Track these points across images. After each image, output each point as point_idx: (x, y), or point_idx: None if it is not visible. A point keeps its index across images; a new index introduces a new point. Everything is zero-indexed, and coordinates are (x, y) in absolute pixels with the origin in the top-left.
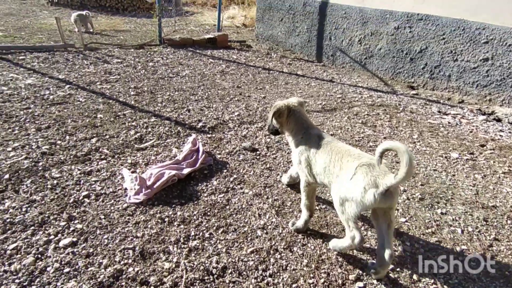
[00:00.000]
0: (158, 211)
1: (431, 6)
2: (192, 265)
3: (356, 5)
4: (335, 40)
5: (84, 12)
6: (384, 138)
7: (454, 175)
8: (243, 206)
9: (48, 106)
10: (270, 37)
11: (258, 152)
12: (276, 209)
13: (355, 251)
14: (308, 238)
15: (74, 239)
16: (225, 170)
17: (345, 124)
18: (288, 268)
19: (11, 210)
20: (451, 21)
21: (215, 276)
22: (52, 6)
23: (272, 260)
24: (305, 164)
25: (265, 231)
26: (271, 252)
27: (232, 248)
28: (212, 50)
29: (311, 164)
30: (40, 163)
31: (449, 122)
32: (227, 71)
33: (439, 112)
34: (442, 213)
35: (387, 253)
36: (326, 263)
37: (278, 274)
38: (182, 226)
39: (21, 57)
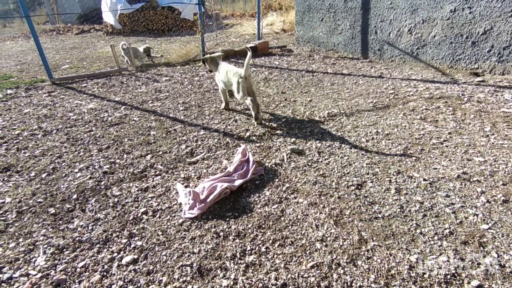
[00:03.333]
0: (213, 225)
1: None
2: (250, 282)
3: None
4: (381, 34)
5: (143, 47)
6: (449, 133)
7: None
8: (299, 217)
9: (107, 127)
10: (311, 39)
11: (309, 158)
12: (334, 218)
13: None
14: (373, 250)
15: (135, 256)
16: (276, 179)
17: (401, 121)
18: (353, 285)
19: (79, 229)
20: None
21: None
22: (108, 36)
23: (335, 276)
24: (218, 79)
25: (324, 243)
26: (333, 266)
27: (290, 263)
28: (254, 59)
29: (220, 77)
30: (102, 182)
31: None
32: (270, 78)
33: None
34: None
35: (252, 104)
36: (397, 279)
37: None
38: (237, 240)
39: (83, 85)
